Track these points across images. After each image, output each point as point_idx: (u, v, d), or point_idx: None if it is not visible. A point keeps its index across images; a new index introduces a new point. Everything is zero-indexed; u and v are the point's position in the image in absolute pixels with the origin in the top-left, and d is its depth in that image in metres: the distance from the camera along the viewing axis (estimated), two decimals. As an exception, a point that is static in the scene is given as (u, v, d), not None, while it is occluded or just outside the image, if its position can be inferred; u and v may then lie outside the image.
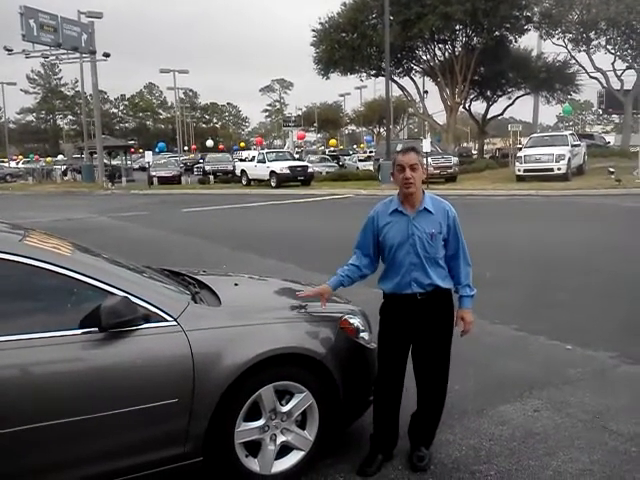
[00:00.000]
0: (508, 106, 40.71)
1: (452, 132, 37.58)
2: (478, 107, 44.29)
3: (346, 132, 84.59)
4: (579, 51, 34.55)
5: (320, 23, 34.64)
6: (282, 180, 26.55)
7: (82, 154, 43.59)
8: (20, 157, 66.10)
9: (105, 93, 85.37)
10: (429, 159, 21.87)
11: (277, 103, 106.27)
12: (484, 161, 34.75)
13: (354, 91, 63.02)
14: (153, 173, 31.01)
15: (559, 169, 22.02)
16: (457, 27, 32.83)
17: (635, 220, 13.65)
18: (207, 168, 34.72)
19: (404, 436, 3.37)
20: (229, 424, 2.89)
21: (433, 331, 3.20)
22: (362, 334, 3.44)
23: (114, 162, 39.84)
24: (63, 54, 31.89)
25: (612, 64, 35.04)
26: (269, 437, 3.04)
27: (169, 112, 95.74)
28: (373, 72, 37.18)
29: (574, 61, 35.68)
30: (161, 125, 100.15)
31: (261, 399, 2.97)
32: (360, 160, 38.82)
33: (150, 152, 34.14)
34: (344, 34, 33.97)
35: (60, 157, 59.77)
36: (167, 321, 2.80)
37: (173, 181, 31.74)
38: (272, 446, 3.05)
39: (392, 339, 3.23)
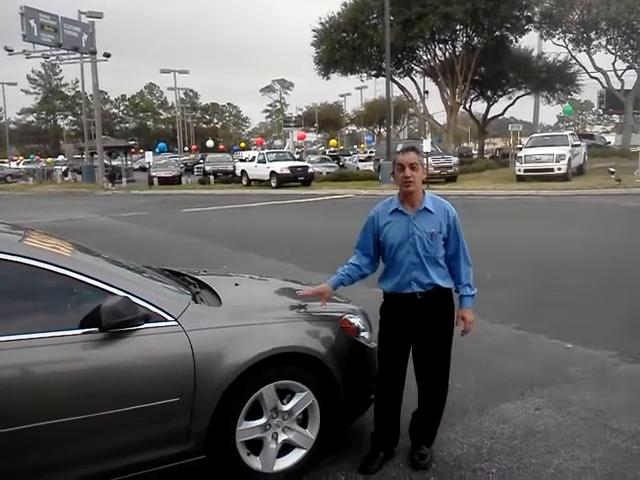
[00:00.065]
0: (508, 106, 40.77)
1: (452, 132, 37.58)
2: (478, 107, 44.30)
3: (346, 132, 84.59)
4: (579, 51, 34.58)
5: (320, 23, 34.69)
6: (282, 180, 26.56)
7: (83, 154, 43.62)
8: (21, 158, 66.16)
9: (105, 93, 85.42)
10: (429, 159, 21.87)
11: (277, 103, 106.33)
12: (484, 161, 34.75)
13: (354, 91, 63.12)
14: (153, 173, 31.02)
15: (559, 169, 22.01)
16: (458, 27, 32.82)
17: (635, 220, 13.66)
18: (207, 168, 34.72)
19: (405, 434, 3.37)
20: (231, 423, 2.90)
21: (433, 330, 3.20)
22: (362, 333, 3.44)
23: (114, 162, 39.86)
24: (63, 54, 31.96)
25: (612, 64, 35.10)
26: (271, 436, 3.05)
27: (169, 112, 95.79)
28: (373, 72, 37.19)
29: (574, 61, 35.73)
30: (161, 125, 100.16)
31: (262, 398, 2.98)
32: (360, 160, 38.82)
33: (150, 152, 34.16)
34: (344, 34, 33.96)
35: (60, 157, 59.78)
36: (168, 321, 2.80)
37: (173, 181, 31.74)
38: (274, 444, 3.06)
39: (392, 338, 3.23)
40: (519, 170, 22.89)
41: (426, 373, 3.26)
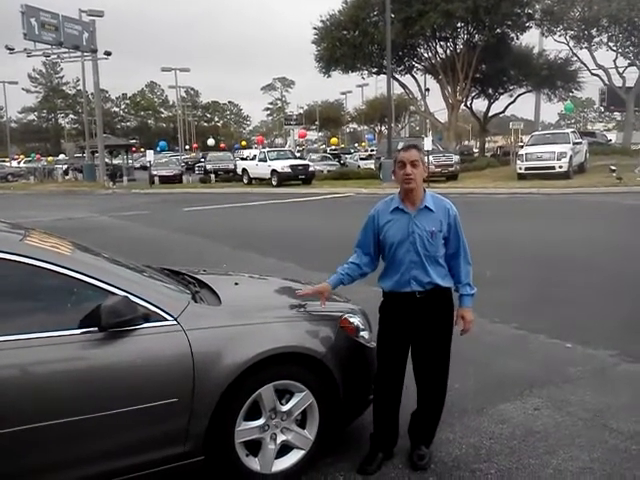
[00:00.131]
0: (510, 104, 40.75)
1: (453, 130, 37.54)
2: (479, 105, 44.30)
3: (347, 130, 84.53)
4: (581, 48, 34.56)
5: (321, 21, 34.69)
6: (283, 179, 26.56)
7: (83, 153, 43.60)
8: (22, 156, 66.16)
9: (106, 92, 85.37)
10: (430, 157, 21.85)
11: (278, 101, 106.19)
12: (485, 159, 34.73)
13: (355, 89, 63.07)
14: (154, 172, 31.01)
15: (560, 167, 21.98)
16: (458, 24, 32.79)
17: (636, 218, 13.65)
18: (208, 167, 34.71)
19: (404, 435, 3.37)
20: (229, 423, 2.90)
21: (433, 330, 3.20)
22: (362, 333, 3.44)
23: (115, 161, 39.89)
24: (64, 53, 31.93)
25: (614, 61, 35.08)
26: (269, 436, 3.05)
27: (170, 111, 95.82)
28: (374, 70, 37.15)
29: (576, 58, 35.73)
30: (162, 124, 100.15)
31: (261, 398, 2.98)
32: (361, 159, 38.84)
33: (151, 151, 34.11)
34: (345, 32, 33.93)
35: (61, 156, 59.86)
36: (167, 320, 2.80)
37: (174, 180, 31.75)
38: (272, 445, 3.06)
39: (391, 338, 3.23)
40: (520, 168, 22.86)
41: (425, 373, 3.26)
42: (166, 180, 30.91)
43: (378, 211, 3.27)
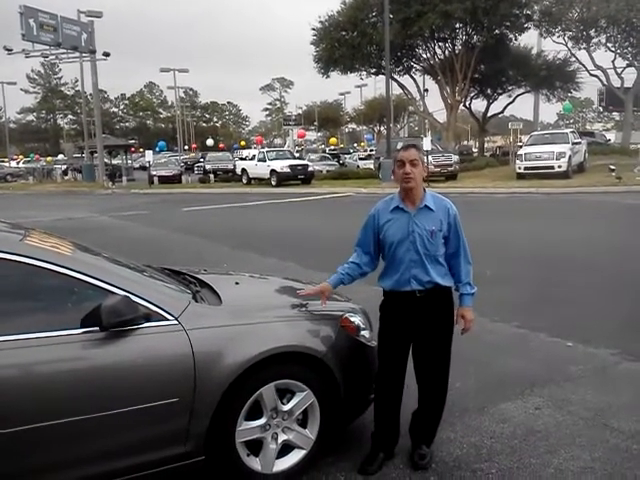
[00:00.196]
0: (508, 104, 40.74)
1: (452, 130, 37.56)
2: (478, 105, 44.28)
3: (346, 131, 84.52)
4: (579, 49, 34.56)
5: (320, 22, 34.68)
6: (282, 179, 26.56)
7: (82, 153, 43.59)
8: (20, 157, 66.16)
9: (105, 92, 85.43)
10: (430, 157, 21.86)
11: (277, 102, 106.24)
12: (484, 159, 34.74)
13: (354, 89, 62.98)
14: (153, 172, 31.00)
15: (560, 167, 21.99)
16: (457, 25, 32.81)
17: (636, 218, 13.65)
18: (207, 167, 34.70)
19: (405, 434, 3.37)
20: (230, 423, 2.89)
21: (433, 329, 3.20)
22: (363, 332, 3.44)
23: (114, 161, 39.90)
24: (63, 53, 31.89)
25: (612, 62, 35.09)
26: (270, 436, 3.04)
27: (169, 111, 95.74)
28: (373, 70, 37.15)
29: (574, 59, 35.73)
30: (161, 124, 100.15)
31: (262, 398, 2.97)
32: (360, 159, 38.84)
33: (150, 151, 34.11)
34: (344, 32, 33.93)
35: (60, 156, 59.81)
36: (168, 320, 2.80)
37: (173, 180, 31.75)
38: (273, 445, 3.05)
39: (392, 337, 3.23)
40: (519, 168, 22.87)
41: (426, 372, 3.25)
42: (165, 180, 30.90)
43: (378, 210, 3.27)
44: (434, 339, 3.20)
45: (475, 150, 51.69)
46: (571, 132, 26.07)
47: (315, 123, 62.51)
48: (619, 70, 35.83)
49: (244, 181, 29.36)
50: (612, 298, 6.51)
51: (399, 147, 3.55)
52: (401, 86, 38.09)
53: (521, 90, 38.82)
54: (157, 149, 53.92)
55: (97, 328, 2.61)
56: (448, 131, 36.53)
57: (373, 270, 3.37)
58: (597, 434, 3.55)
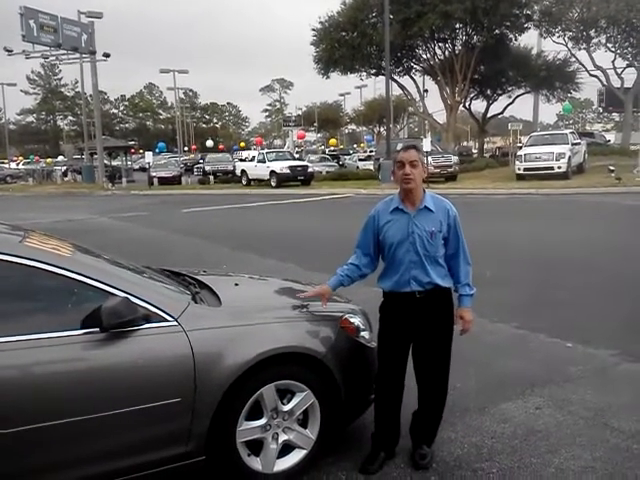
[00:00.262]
0: (508, 105, 40.79)
1: (452, 131, 37.58)
2: (478, 106, 44.31)
3: (346, 131, 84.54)
4: (579, 49, 34.59)
5: (320, 22, 34.72)
6: (282, 180, 26.56)
7: (82, 155, 43.63)
8: (20, 158, 66.18)
9: (105, 93, 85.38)
10: (429, 158, 21.86)
11: (277, 103, 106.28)
12: (484, 160, 34.77)
13: (354, 90, 63.05)
14: (153, 173, 31.01)
15: (559, 167, 22.00)
16: (457, 26, 32.84)
17: (635, 218, 13.65)
18: (207, 168, 34.72)
19: (406, 434, 3.37)
20: (231, 423, 2.90)
21: (433, 330, 3.20)
22: (362, 333, 3.44)
23: (114, 163, 39.83)
24: (63, 54, 31.94)
25: (612, 62, 35.10)
26: (271, 436, 3.05)
27: (169, 112, 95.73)
28: (373, 71, 37.20)
29: (574, 59, 35.75)
30: (161, 125, 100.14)
31: (263, 398, 2.98)
32: (360, 159, 38.81)
33: (150, 152, 34.15)
34: (344, 33, 33.97)
35: (60, 158, 59.76)
36: (168, 321, 2.80)
37: (173, 181, 31.73)
38: (274, 445, 3.06)
39: (392, 337, 3.23)
40: (519, 169, 22.88)
41: (426, 373, 3.26)
42: (165, 181, 30.87)
43: (378, 211, 3.28)
44: (434, 340, 3.21)
45: (475, 151, 51.71)
46: (571, 133, 26.08)
47: (315, 124, 62.52)
48: (619, 70, 35.92)
49: (244, 182, 29.36)
50: (612, 299, 6.51)
51: (399, 148, 3.56)
52: (401, 87, 38.13)
53: (521, 91, 38.86)
54: (157, 150, 53.96)
55: (97, 329, 2.62)
56: (448, 132, 36.55)
57: (373, 271, 3.37)
58: (597, 434, 3.55)
